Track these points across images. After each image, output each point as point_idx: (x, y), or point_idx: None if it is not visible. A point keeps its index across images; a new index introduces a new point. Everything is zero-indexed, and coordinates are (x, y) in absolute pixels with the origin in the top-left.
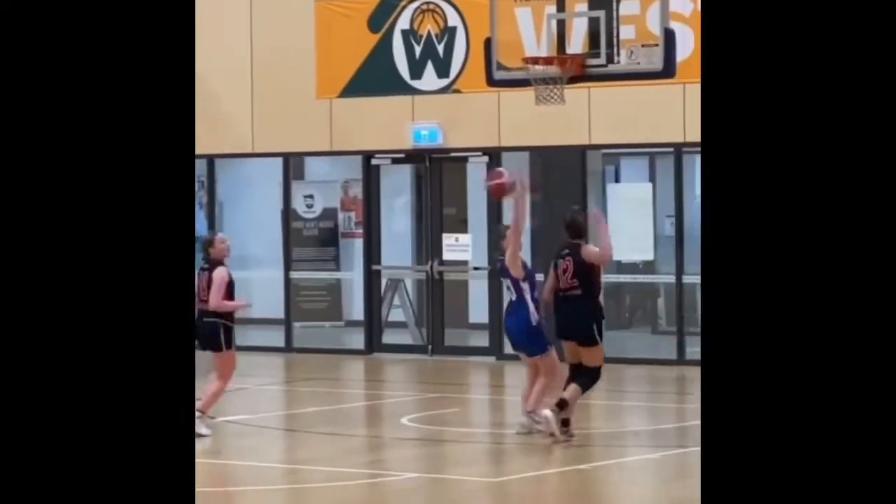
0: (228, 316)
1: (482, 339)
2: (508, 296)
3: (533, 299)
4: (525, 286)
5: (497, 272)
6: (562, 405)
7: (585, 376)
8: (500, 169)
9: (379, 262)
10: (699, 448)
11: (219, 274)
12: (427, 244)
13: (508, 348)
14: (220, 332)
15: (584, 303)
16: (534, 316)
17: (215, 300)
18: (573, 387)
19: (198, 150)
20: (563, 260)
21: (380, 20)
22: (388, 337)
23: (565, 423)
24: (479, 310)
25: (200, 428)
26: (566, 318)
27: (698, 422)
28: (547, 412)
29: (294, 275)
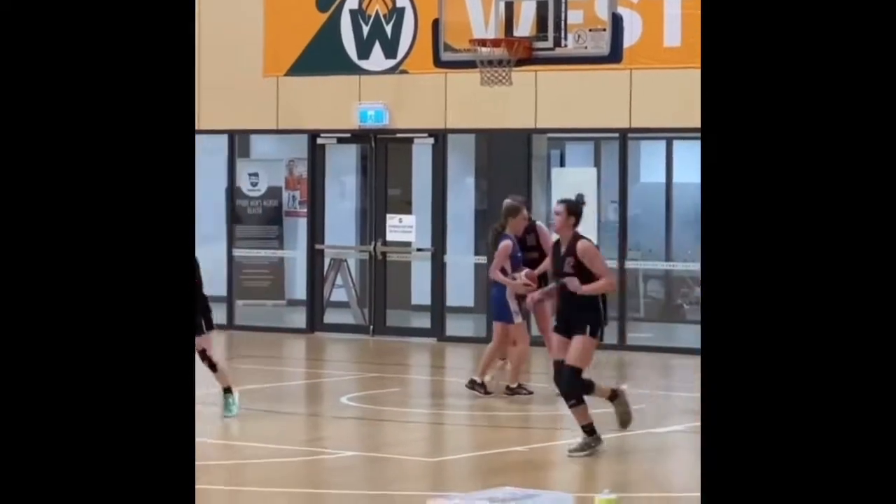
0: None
1: (424, 321)
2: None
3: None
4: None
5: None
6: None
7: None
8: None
9: (322, 242)
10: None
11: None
12: (371, 224)
13: (450, 330)
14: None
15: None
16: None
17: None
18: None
19: None
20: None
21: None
22: (330, 316)
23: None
24: (421, 291)
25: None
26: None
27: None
28: None
29: (237, 252)
